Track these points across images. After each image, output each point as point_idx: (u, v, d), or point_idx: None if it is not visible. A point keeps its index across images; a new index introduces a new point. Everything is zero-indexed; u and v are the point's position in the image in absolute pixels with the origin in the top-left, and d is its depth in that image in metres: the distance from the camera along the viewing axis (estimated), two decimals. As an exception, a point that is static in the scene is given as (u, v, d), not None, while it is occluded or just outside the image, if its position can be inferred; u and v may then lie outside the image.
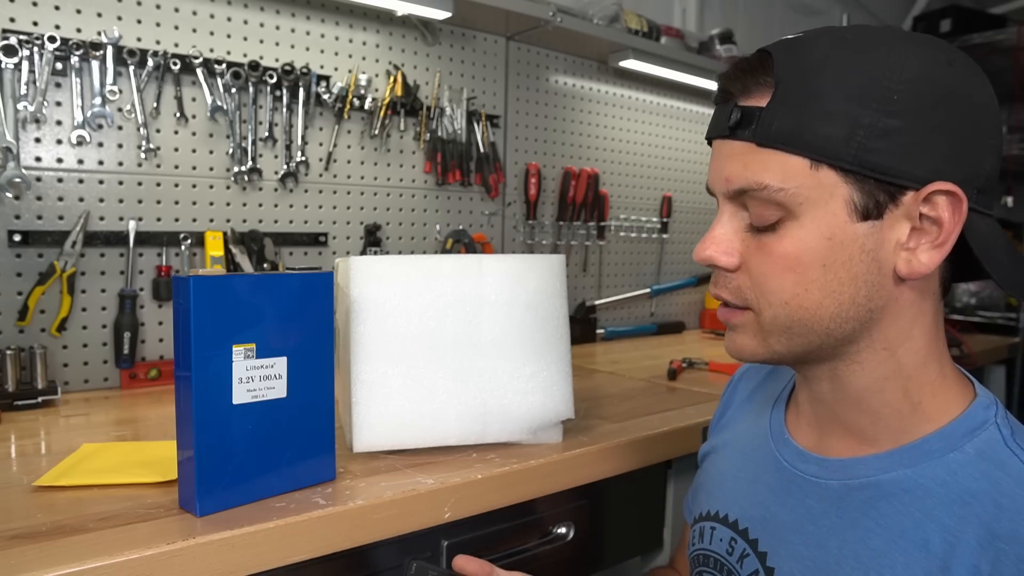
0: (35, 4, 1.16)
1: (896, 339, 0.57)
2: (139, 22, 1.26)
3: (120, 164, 1.25)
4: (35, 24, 1.16)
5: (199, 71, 1.31)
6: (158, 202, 1.30)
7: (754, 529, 0.65)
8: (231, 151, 1.36)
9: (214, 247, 1.33)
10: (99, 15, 1.22)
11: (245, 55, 1.36)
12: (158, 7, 1.27)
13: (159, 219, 1.30)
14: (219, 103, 1.33)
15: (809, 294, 0.55)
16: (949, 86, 0.52)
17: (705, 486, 0.76)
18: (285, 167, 1.42)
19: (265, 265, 1.37)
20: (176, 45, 1.29)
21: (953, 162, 0.52)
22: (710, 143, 0.62)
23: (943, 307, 0.60)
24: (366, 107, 1.51)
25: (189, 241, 1.31)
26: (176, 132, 1.31)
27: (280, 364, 0.72)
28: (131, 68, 1.24)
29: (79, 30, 1.20)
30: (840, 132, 0.52)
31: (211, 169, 1.35)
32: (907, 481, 0.55)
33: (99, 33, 1.20)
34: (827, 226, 0.54)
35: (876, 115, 0.52)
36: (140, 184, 1.28)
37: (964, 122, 0.53)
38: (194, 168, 1.33)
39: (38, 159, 1.18)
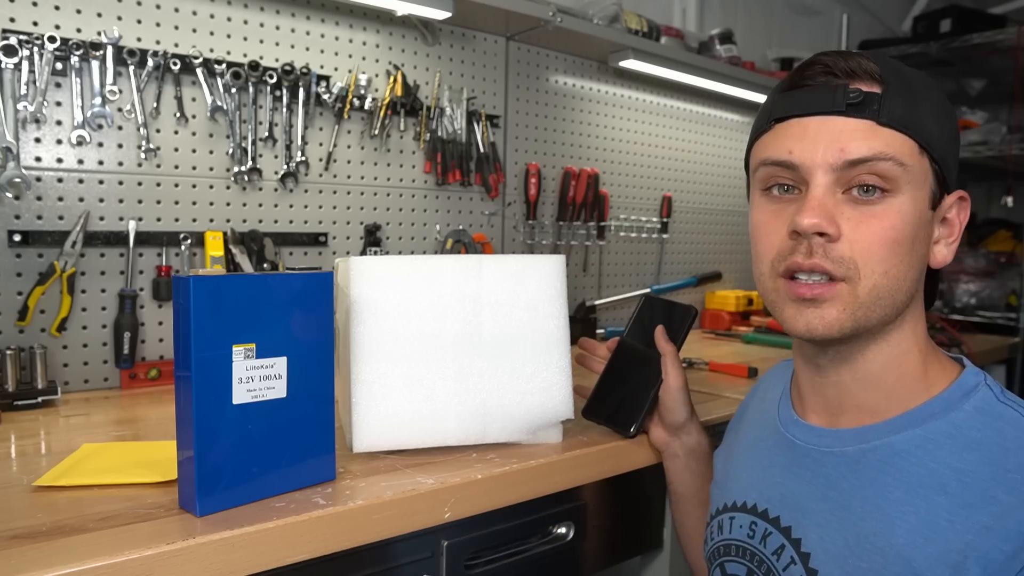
0: (35, 4, 1.16)
1: (913, 317, 0.65)
2: (139, 22, 1.26)
3: (120, 164, 1.25)
4: (35, 24, 1.16)
5: (199, 71, 1.31)
6: (158, 202, 1.30)
7: (774, 508, 0.68)
8: (231, 151, 1.36)
9: (214, 247, 1.33)
10: (99, 15, 1.22)
11: (245, 55, 1.36)
12: (158, 7, 1.27)
13: (159, 219, 1.30)
14: (219, 103, 1.33)
15: (902, 265, 0.61)
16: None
17: (719, 483, 0.80)
18: (285, 167, 1.42)
19: (265, 265, 1.37)
20: (176, 45, 1.29)
21: (957, 176, 0.64)
22: (778, 121, 0.64)
23: None
24: (366, 107, 1.51)
25: (189, 241, 1.31)
26: (176, 132, 1.31)
27: (280, 364, 0.72)
28: (131, 68, 1.24)
29: (79, 30, 1.20)
30: (936, 131, 0.61)
31: (211, 169, 1.35)
32: (917, 438, 0.60)
33: (99, 33, 1.20)
34: (920, 206, 0.61)
35: (949, 125, 0.62)
36: (140, 184, 1.28)
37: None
38: (194, 168, 1.33)
39: (38, 159, 1.18)
